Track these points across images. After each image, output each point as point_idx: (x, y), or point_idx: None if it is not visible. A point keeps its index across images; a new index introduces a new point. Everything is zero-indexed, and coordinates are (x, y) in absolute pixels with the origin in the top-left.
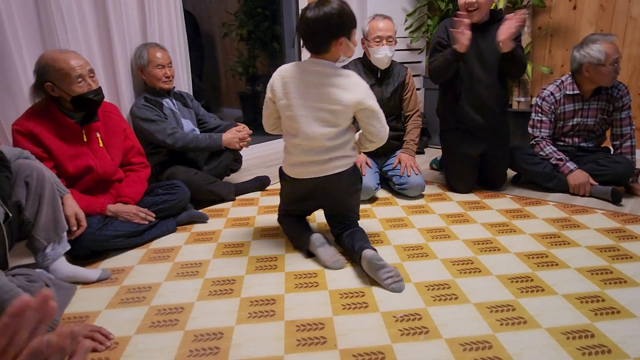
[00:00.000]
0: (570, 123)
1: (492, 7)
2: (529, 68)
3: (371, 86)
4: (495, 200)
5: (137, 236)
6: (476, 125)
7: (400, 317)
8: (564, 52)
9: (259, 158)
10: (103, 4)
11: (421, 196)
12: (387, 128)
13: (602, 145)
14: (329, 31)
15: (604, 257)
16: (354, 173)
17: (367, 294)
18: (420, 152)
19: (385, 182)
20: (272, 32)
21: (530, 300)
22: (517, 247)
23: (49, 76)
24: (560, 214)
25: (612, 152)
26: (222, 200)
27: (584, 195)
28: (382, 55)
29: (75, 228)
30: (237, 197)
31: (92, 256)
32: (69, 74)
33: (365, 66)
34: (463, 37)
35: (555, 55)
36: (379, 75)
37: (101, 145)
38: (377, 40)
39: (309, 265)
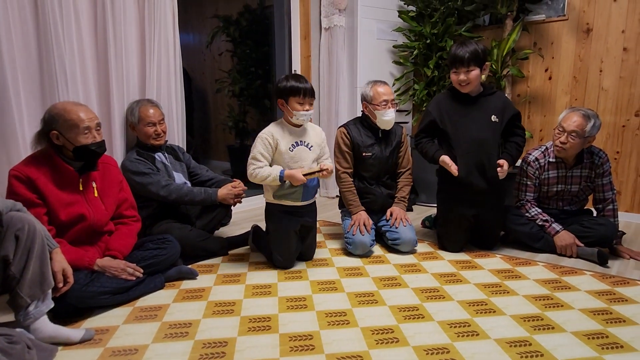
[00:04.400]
0: (555, 189)
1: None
2: None
3: (371, 145)
4: (486, 260)
5: (124, 293)
6: (476, 188)
7: None
8: (542, 118)
9: (247, 212)
10: (105, 58)
11: (414, 251)
12: (248, 170)
13: (584, 208)
14: (275, 97)
15: (598, 321)
16: None
17: (365, 358)
18: (408, 209)
19: (380, 237)
20: (264, 90)
21: None
22: (512, 309)
23: (57, 125)
24: (551, 275)
25: (594, 215)
26: (214, 255)
27: (571, 256)
28: (390, 118)
29: (61, 284)
30: (228, 252)
31: (75, 314)
32: (77, 125)
33: (364, 126)
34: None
35: (534, 121)
36: (380, 135)
37: (96, 195)
38: (384, 104)
39: (304, 326)
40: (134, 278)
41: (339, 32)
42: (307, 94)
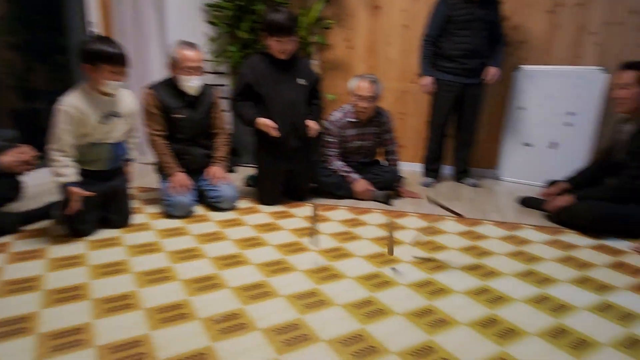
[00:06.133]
0: (354, 145)
1: None
2: None
3: (180, 108)
4: (299, 209)
5: None
6: (290, 146)
7: (221, 318)
8: (344, 82)
9: (48, 184)
10: None
11: (234, 207)
12: (49, 152)
13: (375, 159)
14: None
15: (380, 245)
16: None
17: (185, 306)
18: (230, 170)
19: (202, 197)
20: (54, 44)
21: (330, 285)
22: (320, 244)
23: None
24: (350, 216)
25: (382, 164)
26: (2, 233)
27: (365, 199)
28: (193, 84)
29: None
30: (23, 229)
31: None
32: None
33: (174, 88)
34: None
35: (338, 85)
36: (185, 98)
37: None
38: (189, 70)
39: (120, 288)
40: None
41: None
42: (121, 61)
